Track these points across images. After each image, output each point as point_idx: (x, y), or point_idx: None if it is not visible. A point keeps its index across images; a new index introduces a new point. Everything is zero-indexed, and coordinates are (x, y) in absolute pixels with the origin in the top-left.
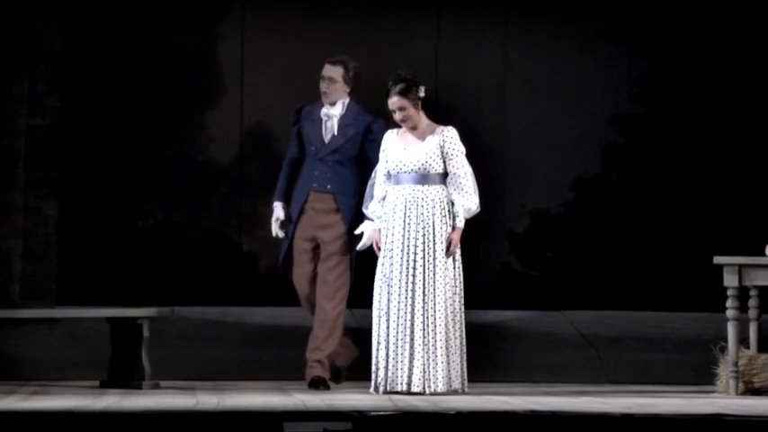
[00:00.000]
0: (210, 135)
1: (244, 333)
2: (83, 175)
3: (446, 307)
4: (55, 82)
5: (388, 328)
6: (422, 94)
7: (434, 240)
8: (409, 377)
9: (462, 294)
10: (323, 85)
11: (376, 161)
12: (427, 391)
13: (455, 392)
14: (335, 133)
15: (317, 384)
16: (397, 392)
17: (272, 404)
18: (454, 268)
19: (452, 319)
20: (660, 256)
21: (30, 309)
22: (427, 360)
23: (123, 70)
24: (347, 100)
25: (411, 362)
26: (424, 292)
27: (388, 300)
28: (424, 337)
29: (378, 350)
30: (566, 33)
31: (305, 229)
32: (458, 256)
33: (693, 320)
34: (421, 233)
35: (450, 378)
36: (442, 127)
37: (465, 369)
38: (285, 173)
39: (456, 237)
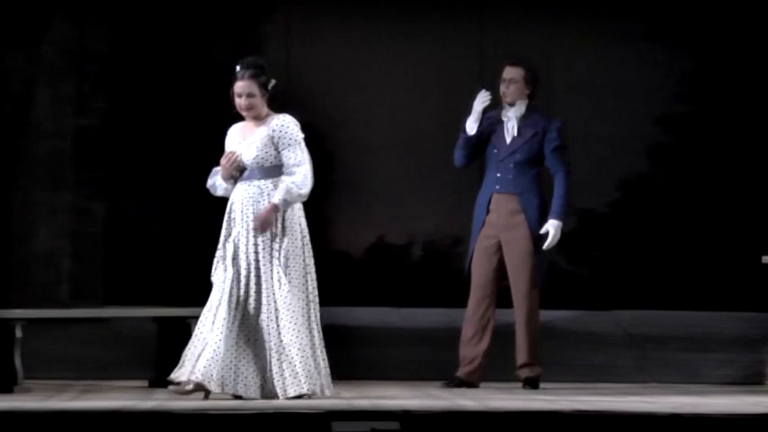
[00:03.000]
0: None
1: None
2: (129, 175)
3: (288, 308)
4: (101, 82)
5: (213, 325)
6: (271, 85)
7: (272, 242)
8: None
9: (310, 293)
10: (503, 87)
11: (556, 161)
12: (281, 396)
13: (308, 396)
14: (516, 134)
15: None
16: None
17: (319, 404)
18: (300, 263)
19: (295, 320)
20: (707, 256)
21: (78, 308)
22: (274, 363)
23: (169, 71)
24: (527, 102)
25: (254, 364)
26: (259, 291)
27: (220, 299)
28: (265, 340)
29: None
30: (609, 32)
31: (489, 231)
32: (308, 255)
33: (741, 320)
34: (255, 235)
35: (300, 381)
36: (275, 115)
37: (315, 371)
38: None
39: (264, 214)
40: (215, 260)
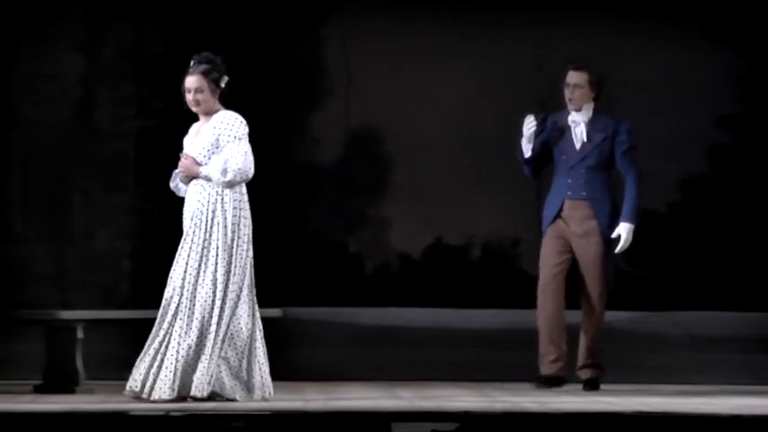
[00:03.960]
0: (316, 137)
1: (352, 333)
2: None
3: (204, 308)
4: (160, 84)
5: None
6: (223, 83)
7: (204, 240)
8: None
9: (231, 298)
10: (567, 92)
11: (627, 163)
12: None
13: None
14: (585, 140)
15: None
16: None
17: (380, 405)
18: (231, 264)
19: (209, 321)
20: (766, 256)
21: (137, 309)
22: (174, 364)
23: (228, 72)
24: (593, 105)
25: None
26: (193, 296)
27: (170, 298)
28: (180, 342)
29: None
30: (668, 33)
31: (559, 232)
32: (239, 260)
33: None
34: (192, 230)
35: (200, 382)
36: (220, 113)
37: (214, 374)
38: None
39: (189, 163)
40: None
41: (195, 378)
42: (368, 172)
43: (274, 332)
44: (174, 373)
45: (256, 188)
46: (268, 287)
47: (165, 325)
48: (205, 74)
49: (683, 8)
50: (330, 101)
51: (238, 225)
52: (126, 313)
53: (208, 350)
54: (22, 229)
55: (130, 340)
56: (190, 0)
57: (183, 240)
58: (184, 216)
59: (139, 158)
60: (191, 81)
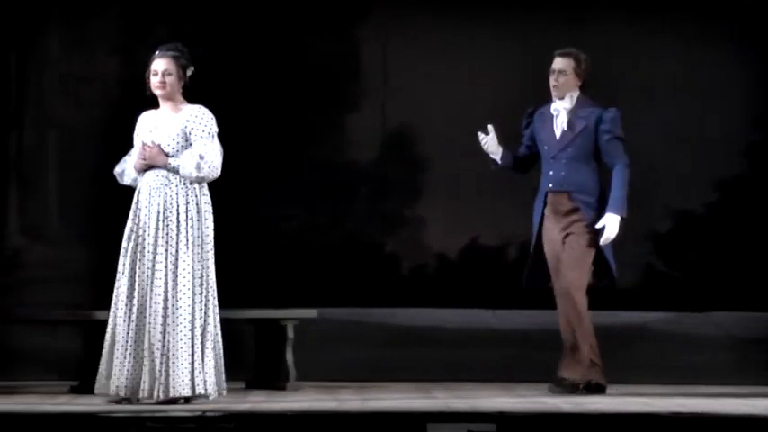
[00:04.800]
0: (352, 137)
1: (387, 334)
2: (227, 177)
3: (191, 306)
4: (198, 85)
5: (121, 328)
6: (189, 73)
7: (177, 233)
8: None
9: (210, 292)
10: (552, 79)
11: (611, 153)
12: (163, 396)
13: (197, 397)
14: (565, 129)
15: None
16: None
17: (415, 405)
18: (200, 260)
19: (192, 320)
20: None
21: None
22: (167, 363)
23: (265, 72)
24: (577, 93)
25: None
26: (165, 290)
27: (125, 299)
28: (163, 339)
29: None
30: (707, 33)
31: (549, 234)
32: (209, 255)
33: None
34: (164, 223)
35: (194, 382)
36: (190, 106)
37: (213, 372)
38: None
39: (156, 152)
40: (121, 250)
41: (195, 376)
42: (404, 172)
43: (310, 332)
44: (186, 372)
45: (292, 188)
46: (304, 288)
47: (147, 322)
48: (175, 58)
49: (722, 9)
50: (366, 101)
51: (208, 221)
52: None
53: (203, 347)
54: (58, 231)
55: None
56: (227, 1)
57: (146, 233)
58: (142, 206)
59: None
60: (160, 63)
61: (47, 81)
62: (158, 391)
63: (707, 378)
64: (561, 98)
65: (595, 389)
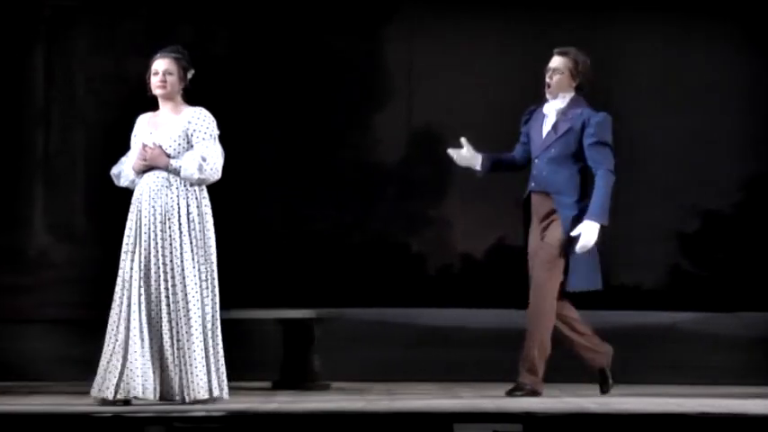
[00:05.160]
0: (378, 137)
1: (413, 334)
2: (252, 177)
3: (201, 309)
4: (224, 85)
5: (127, 331)
6: (190, 75)
7: (181, 235)
8: (161, 384)
9: (216, 294)
10: (547, 77)
11: (594, 157)
12: (187, 399)
13: (214, 400)
14: (550, 129)
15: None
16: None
17: (441, 405)
18: (204, 263)
19: (203, 323)
20: None
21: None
22: (184, 366)
23: (292, 73)
24: (572, 94)
25: (163, 368)
26: (173, 293)
27: (129, 302)
28: (177, 342)
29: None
30: (736, 33)
31: (532, 236)
32: (213, 257)
33: None
34: (167, 225)
35: (210, 384)
36: (191, 108)
37: (221, 373)
38: (505, 152)
39: (157, 154)
40: (122, 254)
41: (208, 379)
42: (429, 172)
43: (336, 333)
44: (201, 375)
45: (318, 187)
46: (330, 288)
47: (155, 324)
48: (176, 59)
49: (751, 9)
50: (392, 100)
51: (209, 223)
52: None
53: (212, 349)
54: (86, 231)
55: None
56: (253, 1)
57: (146, 236)
58: (143, 208)
59: None
60: (161, 63)
61: (74, 80)
62: (176, 394)
63: (736, 378)
64: (554, 97)
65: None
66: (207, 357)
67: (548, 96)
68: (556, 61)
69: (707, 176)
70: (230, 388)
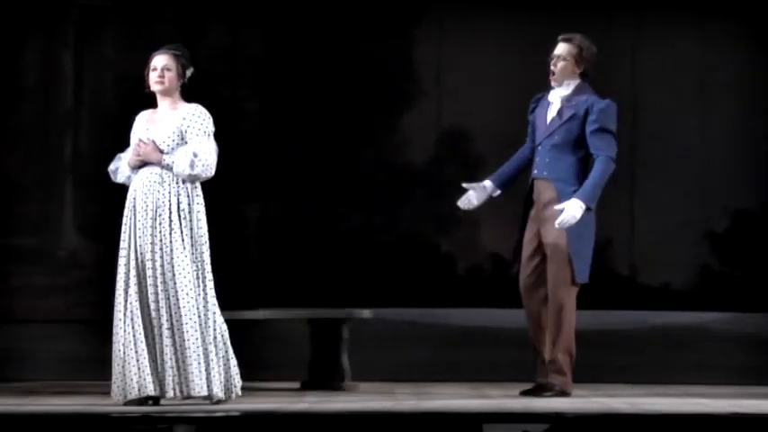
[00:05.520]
0: (408, 137)
1: (442, 334)
2: (283, 177)
3: (195, 305)
4: (255, 86)
5: (131, 330)
6: (189, 73)
7: (171, 232)
8: (168, 382)
9: (208, 291)
10: (551, 64)
11: (595, 144)
12: (180, 396)
13: (212, 398)
14: (554, 116)
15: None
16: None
17: (470, 406)
18: (195, 261)
19: (198, 319)
20: None
21: (231, 310)
22: (180, 362)
23: (322, 73)
24: (577, 81)
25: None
26: (165, 288)
27: (126, 297)
28: (172, 338)
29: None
30: (762, 31)
31: (531, 223)
32: (204, 254)
33: None
34: (158, 222)
35: (209, 382)
36: (188, 105)
37: (222, 371)
38: (512, 157)
39: (150, 149)
40: (119, 251)
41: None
42: (459, 172)
43: (366, 333)
44: (197, 373)
45: (348, 188)
46: (360, 288)
47: (148, 323)
48: (175, 56)
49: None
50: (421, 100)
51: (201, 221)
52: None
53: (211, 345)
54: (115, 231)
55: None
56: (285, 1)
57: (140, 233)
58: (137, 205)
59: (234, 159)
60: (160, 59)
61: (103, 82)
62: (169, 391)
63: (765, 378)
64: (559, 85)
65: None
66: (206, 354)
67: (553, 84)
68: (560, 48)
69: (737, 176)
70: (259, 388)
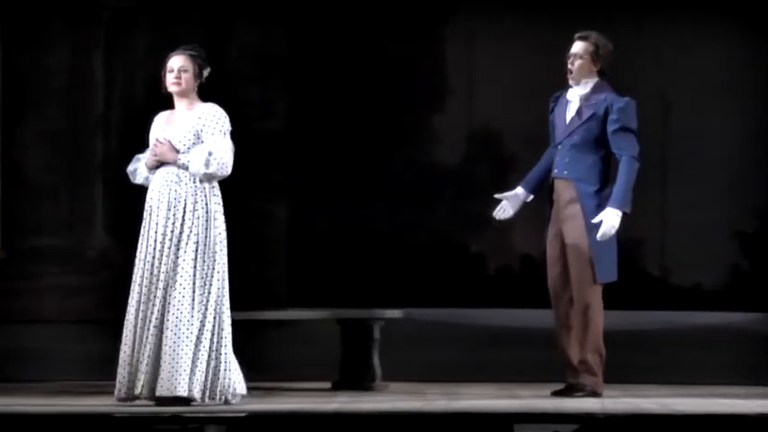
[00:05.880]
0: (438, 137)
1: (472, 334)
2: (312, 177)
3: (189, 305)
4: (283, 86)
5: (136, 328)
6: (206, 73)
7: (181, 233)
8: (153, 380)
9: (214, 294)
10: (568, 63)
11: (617, 144)
12: (157, 393)
13: (188, 401)
14: (574, 115)
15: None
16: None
17: (501, 406)
18: (204, 262)
19: (186, 319)
20: None
21: (262, 311)
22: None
23: (350, 73)
24: (595, 80)
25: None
26: (165, 286)
27: (137, 296)
28: (166, 339)
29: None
30: None
31: (552, 223)
32: (218, 255)
33: None
34: (171, 221)
35: (190, 383)
36: (204, 105)
37: (219, 376)
38: (539, 160)
39: (166, 149)
40: (136, 253)
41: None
42: (489, 171)
43: (396, 333)
44: (182, 373)
45: (378, 188)
46: (390, 288)
47: (143, 319)
48: (192, 57)
49: None
50: (452, 101)
51: (218, 221)
52: (249, 315)
53: (202, 350)
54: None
55: (254, 342)
56: (312, 1)
57: (154, 231)
58: (153, 204)
59: (262, 160)
60: (176, 60)
61: (133, 83)
62: (146, 391)
63: None
64: (577, 83)
65: (591, 395)
66: (195, 356)
67: (570, 82)
68: (576, 46)
69: (765, 176)
70: (289, 389)
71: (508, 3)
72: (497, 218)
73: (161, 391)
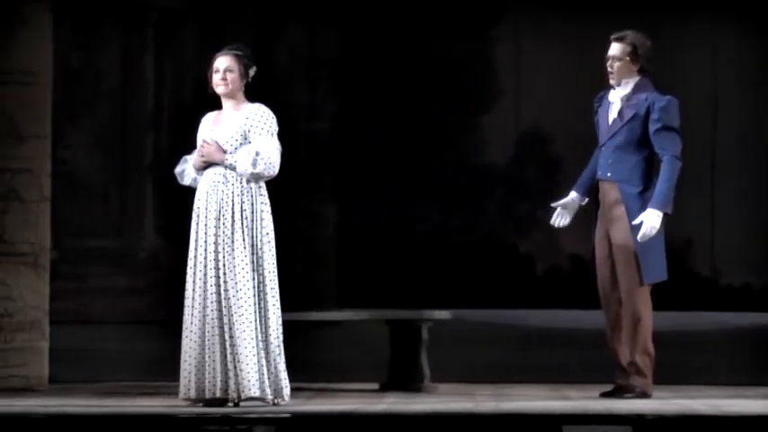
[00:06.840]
0: (486, 138)
1: (521, 335)
2: (361, 178)
3: (251, 307)
4: (333, 87)
5: (195, 330)
6: (252, 72)
7: (233, 232)
8: (224, 382)
9: (269, 293)
10: (607, 65)
11: (659, 144)
12: (232, 396)
13: (264, 400)
14: (616, 117)
15: (618, 392)
16: (206, 399)
17: (550, 407)
18: (258, 262)
19: (250, 320)
20: None
21: (311, 312)
22: (233, 363)
23: (399, 74)
24: (636, 79)
25: (223, 365)
26: (226, 287)
27: (193, 297)
28: (230, 340)
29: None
30: None
31: (600, 224)
32: (267, 254)
33: None
34: (221, 222)
35: (261, 383)
36: (251, 105)
37: (274, 376)
38: (589, 162)
39: (214, 149)
40: (189, 253)
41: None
42: (538, 172)
43: (444, 334)
44: (253, 373)
45: (427, 188)
46: (438, 289)
47: (208, 323)
48: (237, 57)
49: None
50: (499, 101)
51: (265, 221)
52: (299, 315)
53: (263, 351)
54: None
55: (303, 343)
56: (363, 3)
57: (203, 233)
58: (201, 206)
59: (311, 161)
60: (222, 61)
61: (182, 83)
62: (218, 391)
63: None
64: (618, 85)
65: (641, 396)
66: (259, 356)
67: (612, 84)
68: (613, 48)
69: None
70: (338, 389)
71: (556, 3)
72: (556, 225)
73: (236, 392)
